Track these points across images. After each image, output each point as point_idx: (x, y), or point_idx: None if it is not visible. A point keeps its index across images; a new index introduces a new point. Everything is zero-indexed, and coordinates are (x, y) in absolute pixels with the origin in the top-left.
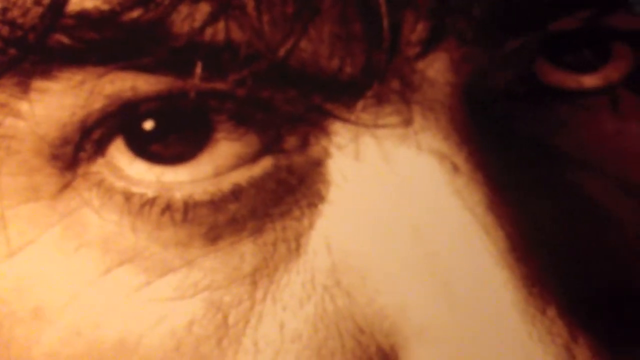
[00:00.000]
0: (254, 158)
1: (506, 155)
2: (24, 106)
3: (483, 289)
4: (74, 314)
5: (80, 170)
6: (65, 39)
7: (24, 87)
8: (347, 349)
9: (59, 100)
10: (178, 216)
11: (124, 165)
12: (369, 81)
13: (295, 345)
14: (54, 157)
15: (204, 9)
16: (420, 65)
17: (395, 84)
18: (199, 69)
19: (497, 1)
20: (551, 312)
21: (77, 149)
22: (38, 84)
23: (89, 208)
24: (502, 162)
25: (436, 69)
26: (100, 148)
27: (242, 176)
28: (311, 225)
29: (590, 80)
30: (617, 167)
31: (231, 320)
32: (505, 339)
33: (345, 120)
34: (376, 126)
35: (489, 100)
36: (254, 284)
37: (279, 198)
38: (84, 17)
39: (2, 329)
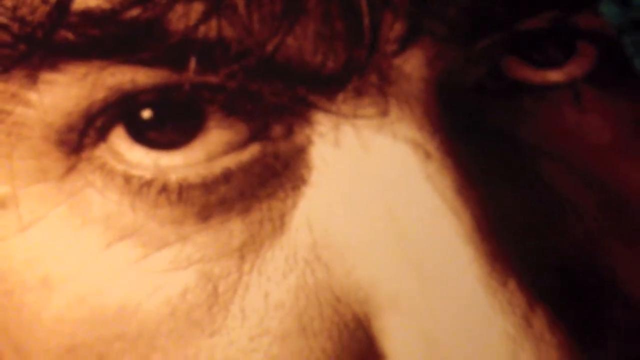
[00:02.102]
0: (242, 145)
1: (475, 144)
2: (33, 96)
3: (450, 264)
4: (79, 282)
5: (85, 154)
6: (70, 35)
7: (33, 79)
8: (326, 316)
9: (65, 91)
10: (173, 196)
11: (124, 150)
12: (349, 75)
13: (278, 313)
14: (61, 143)
15: (198, 8)
16: (397, 61)
17: (373, 78)
18: (193, 64)
19: (470, 3)
20: (511, 285)
21: (81, 135)
22: (46, 76)
23: (93, 188)
24: (471, 151)
25: (412, 65)
26: (102, 135)
27: (231, 161)
28: (294, 206)
29: (554, 76)
30: (577, 156)
31: (221, 289)
32: (470, 309)
33: (327, 111)
34: (355, 116)
35: (461, 94)
36: (242, 257)
37: (265, 181)
38: (87, 15)
39: (14, 295)
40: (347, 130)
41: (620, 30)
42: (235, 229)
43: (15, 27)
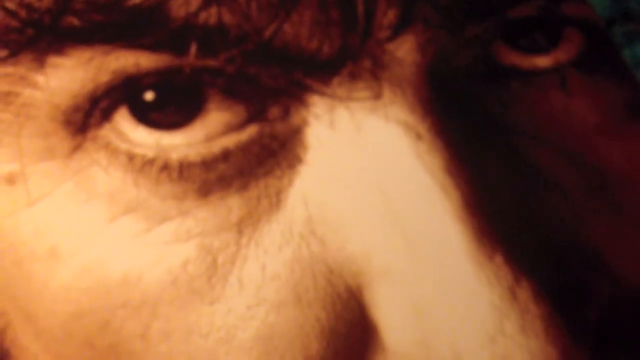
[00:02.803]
0: (241, 126)
1: (464, 126)
2: (40, 79)
3: (439, 239)
4: (85, 254)
5: (90, 134)
6: (76, 21)
7: (41, 63)
8: (319, 286)
9: (71, 74)
10: (174, 174)
11: (127, 130)
12: (344, 61)
13: (274, 283)
14: (67, 123)
15: None
16: (390, 46)
17: (367, 63)
18: (193, 48)
19: None
20: (498, 259)
21: (86, 116)
22: (52, 60)
23: (98, 166)
24: (460, 132)
25: (404, 50)
26: (107, 115)
27: (230, 141)
28: (290, 183)
29: (542, 61)
30: (563, 138)
31: (220, 261)
32: (458, 281)
33: (322, 94)
34: (349, 99)
35: (451, 79)
36: (240, 231)
37: (263, 160)
38: (92, 2)
39: (23, 265)
40: (342, 112)
41: (610, 21)
42: (233, 204)
43: (23, 13)
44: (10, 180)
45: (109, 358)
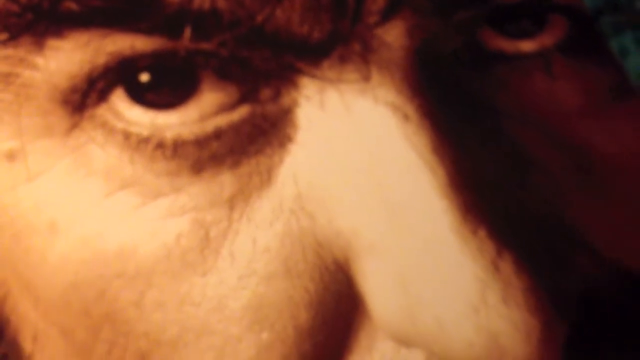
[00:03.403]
0: (233, 106)
1: (451, 107)
2: (39, 61)
3: (425, 214)
4: (82, 227)
5: (87, 113)
6: (74, 6)
7: (40, 45)
8: (309, 259)
9: (69, 56)
10: (168, 152)
11: (123, 110)
12: (334, 44)
13: (265, 256)
14: (65, 102)
15: None
16: (379, 31)
17: (356, 47)
18: (188, 32)
19: None
20: (481, 233)
21: (84, 96)
22: (51, 42)
23: (95, 144)
24: (446, 113)
25: (393, 35)
26: (103, 96)
27: (223, 120)
28: (281, 161)
29: (527, 46)
30: (547, 119)
31: (212, 235)
32: (442, 255)
33: (313, 76)
34: (339, 81)
35: (438, 62)
36: (232, 207)
37: (254, 139)
38: None
39: (22, 238)
40: (332, 94)
41: (598, 12)
42: (225, 181)
43: None
44: (11, 156)
45: (105, 325)
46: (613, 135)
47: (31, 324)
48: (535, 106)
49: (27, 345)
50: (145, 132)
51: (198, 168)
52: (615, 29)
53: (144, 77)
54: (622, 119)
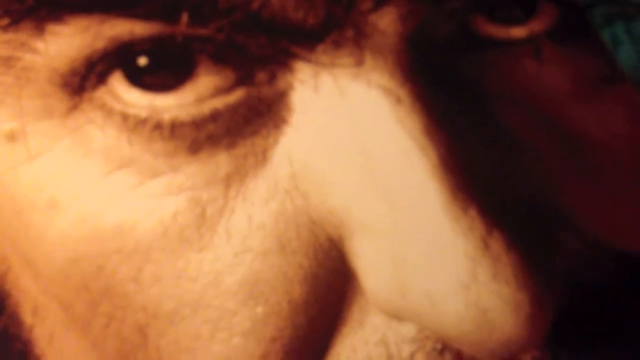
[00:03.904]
0: (229, 89)
1: (442, 91)
2: (40, 45)
3: (417, 194)
4: (81, 205)
5: (86, 95)
6: None
7: (40, 30)
8: (303, 236)
9: (69, 41)
10: (166, 133)
11: (122, 92)
12: (328, 30)
13: (260, 233)
14: (65, 85)
15: None
16: (373, 17)
17: (350, 33)
18: (185, 18)
19: None
20: (472, 212)
21: (83, 79)
22: (52, 27)
23: (94, 125)
24: (438, 97)
25: (386, 21)
26: (102, 79)
27: (219, 103)
28: (276, 142)
29: (517, 32)
30: (536, 103)
31: (208, 212)
32: (434, 233)
33: (307, 60)
34: (333, 65)
35: (430, 47)
36: (228, 186)
37: (250, 120)
38: None
39: (23, 215)
40: (326, 78)
41: (592, 3)
42: (222, 161)
43: None
44: (12, 137)
45: (104, 299)
46: (601, 118)
47: (31, 298)
48: (525, 90)
49: (27, 318)
50: (143, 114)
51: (195, 148)
52: (607, 20)
53: (142, 61)
54: (610, 103)
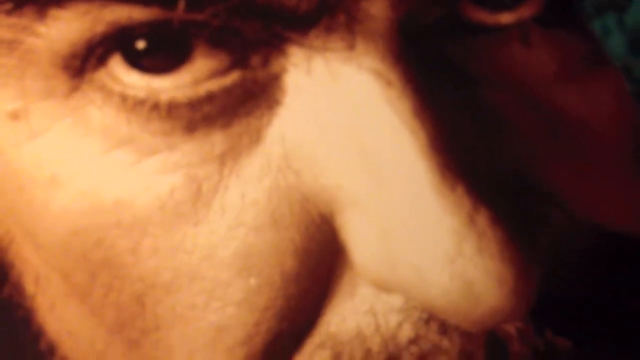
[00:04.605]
0: (225, 72)
1: (432, 74)
2: (42, 29)
3: (406, 173)
4: (82, 181)
5: (86, 77)
6: None
7: (42, 14)
8: (295, 212)
9: (70, 25)
10: (163, 113)
11: (121, 74)
12: (320, 15)
13: (253, 209)
14: (66, 67)
15: None
16: (364, 3)
17: (342, 18)
18: (182, 4)
19: None
20: (459, 190)
21: (83, 62)
22: (53, 12)
23: (93, 105)
24: (427, 80)
25: (377, 7)
26: (102, 61)
27: (215, 85)
28: (269, 123)
29: (506, 18)
30: (522, 85)
31: (204, 189)
32: (422, 210)
33: (301, 44)
34: (325, 49)
35: (420, 33)
36: (223, 163)
37: (245, 102)
38: None
39: (25, 190)
40: (318, 61)
41: None
42: (217, 140)
43: None
44: (15, 116)
45: (103, 270)
46: (586, 100)
47: (34, 268)
48: (512, 73)
49: (30, 287)
50: (141, 95)
51: (191, 128)
52: (597, 10)
53: (141, 44)
54: (595, 85)
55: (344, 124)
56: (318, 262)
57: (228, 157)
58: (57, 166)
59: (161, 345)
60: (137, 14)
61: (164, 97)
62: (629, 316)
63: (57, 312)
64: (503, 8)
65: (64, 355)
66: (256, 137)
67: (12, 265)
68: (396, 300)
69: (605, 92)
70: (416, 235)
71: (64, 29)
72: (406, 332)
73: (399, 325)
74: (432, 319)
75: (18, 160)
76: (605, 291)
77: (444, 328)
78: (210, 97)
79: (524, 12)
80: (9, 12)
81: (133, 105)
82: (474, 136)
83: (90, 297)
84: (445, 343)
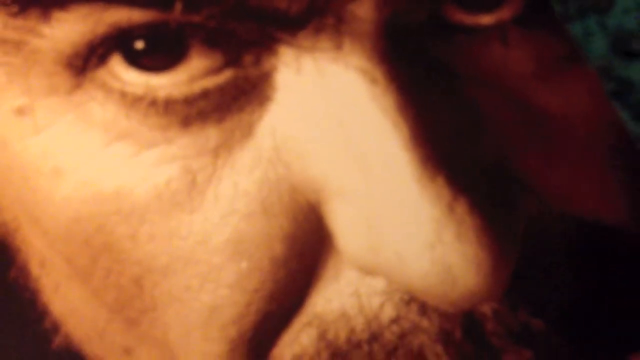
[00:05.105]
0: (219, 70)
1: (415, 72)
2: (46, 30)
3: (390, 165)
4: (83, 172)
5: (88, 75)
6: None
7: (47, 17)
8: (284, 201)
9: (73, 27)
10: (160, 109)
11: (120, 72)
12: (310, 17)
13: (245, 198)
14: (69, 66)
15: None
16: (352, 6)
17: (330, 20)
18: (179, 6)
19: None
20: (439, 180)
21: (85, 61)
22: (57, 14)
23: (95, 101)
24: (411, 77)
25: (364, 9)
26: (103, 60)
27: (209, 82)
28: (261, 118)
29: (486, 20)
30: (502, 82)
31: (198, 179)
32: (404, 199)
33: (291, 45)
34: (314, 49)
35: (405, 33)
36: (216, 156)
37: (237, 98)
38: None
39: (30, 180)
40: (307, 60)
41: None
42: (211, 134)
43: None
44: (21, 112)
45: (103, 254)
46: (561, 96)
47: (39, 252)
48: (492, 71)
49: (35, 270)
50: (139, 92)
51: (187, 122)
52: (580, 12)
53: (139, 45)
54: (570, 83)
55: (331, 119)
56: (305, 248)
57: (221, 150)
58: (61, 158)
59: (158, 324)
60: (136, 16)
61: (162, 94)
62: (598, 296)
63: (61, 293)
64: (483, 10)
65: (68, 333)
66: (248, 132)
67: (19, 250)
68: (379, 283)
69: (580, 89)
70: (398, 223)
71: (67, 31)
72: (388, 313)
73: (381, 306)
74: (413, 300)
75: (24, 153)
76: (576, 274)
77: (424, 309)
78: (205, 94)
79: (504, 14)
80: (15, 15)
81: (132, 101)
82: (455, 130)
83: (92, 279)
84: (424, 323)
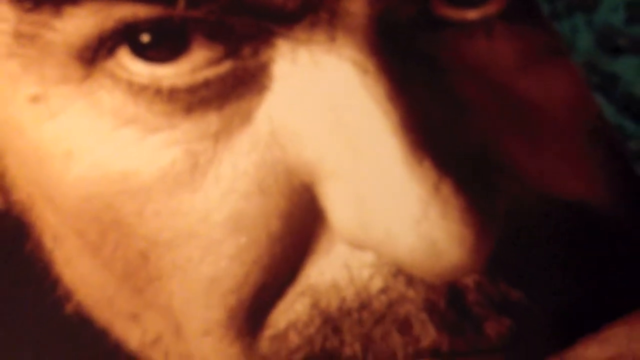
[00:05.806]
0: (219, 61)
1: (405, 64)
2: (59, 24)
3: (379, 149)
4: (94, 154)
5: (98, 66)
6: None
7: (59, 12)
8: (280, 181)
9: (83, 21)
10: (165, 97)
11: (128, 63)
12: (305, 12)
13: (243, 178)
14: (80, 57)
15: None
16: (345, 2)
17: (325, 15)
18: (182, 2)
19: None
20: (426, 163)
21: (95, 53)
22: (68, 9)
23: (104, 90)
24: (401, 68)
25: (356, 5)
26: (111, 52)
27: (210, 73)
28: (258, 105)
29: (472, 14)
30: (486, 73)
31: (200, 161)
32: (393, 180)
33: (287, 37)
34: (309, 41)
35: (395, 27)
36: (217, 140)
37: (237, 87)
38: None
39: (44, 162)
40: (303, 52)
41: None
42: (212, 120)
43: None
44: (36, 99)
45: (112, 229)
46: (542, 85)
47: (52, 227)
48: (478, 62)
49: (48, 243)
50: (145, 81)
51: (189, 109)
52: (568, 10)
53: (145, 38)
54: (551, 73)
55: (325, 106)
56: (300, 224)
57: (222, 135)
58: (72, 142)
59: (163, 292)
60: (142, 11)
61: (166, 83)
62: (572, 268)
63: (73, 265)
64: (470, 5)
65: (79, 300)
66: (247, 118)
67: (34, 225)
68: (368, 257)
69: (560, 79)
70: (387, 201)
71: (78, 25)
72: (377, 284)
73: (371, 277)
74: (400, 272)
75: (38, 137)
76: (553, 249)
77: (410, 280)
78: (206, 83)
79: (489, 9)
80: (29, 10)
81: (138, 90)
82: (442, 117)
83: (101, 252)
84: (411, 293)
